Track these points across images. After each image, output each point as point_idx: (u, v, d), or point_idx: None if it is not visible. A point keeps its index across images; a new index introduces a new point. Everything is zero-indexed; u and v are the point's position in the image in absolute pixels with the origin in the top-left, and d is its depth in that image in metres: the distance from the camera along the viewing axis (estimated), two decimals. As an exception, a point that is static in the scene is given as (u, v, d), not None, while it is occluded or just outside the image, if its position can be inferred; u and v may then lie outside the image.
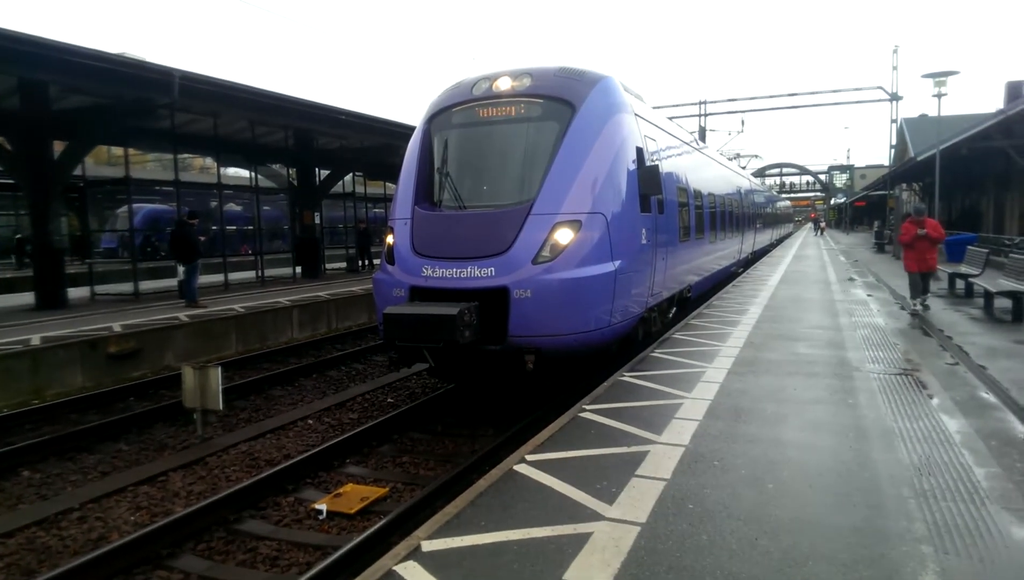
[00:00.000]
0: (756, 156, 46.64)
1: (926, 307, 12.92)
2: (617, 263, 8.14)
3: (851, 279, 19.38)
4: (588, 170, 8.15)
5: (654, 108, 14.20)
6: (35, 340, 11.22)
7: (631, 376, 7.89)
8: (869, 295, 15.67)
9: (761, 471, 4.93)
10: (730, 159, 27.54)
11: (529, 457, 5.32)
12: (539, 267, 7.63)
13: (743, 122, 43.27)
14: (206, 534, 6.03)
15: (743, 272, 22.38)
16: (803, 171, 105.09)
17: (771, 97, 49.05)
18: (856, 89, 41.09)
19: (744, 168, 35.32)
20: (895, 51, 36.37)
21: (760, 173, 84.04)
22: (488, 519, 4.26)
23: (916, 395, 6.94)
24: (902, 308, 13.32)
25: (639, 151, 9.27)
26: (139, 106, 15.27)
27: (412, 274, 8.18)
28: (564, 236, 7.75)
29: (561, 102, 8.59)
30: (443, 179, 8.89)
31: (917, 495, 4.47)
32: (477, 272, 7.76)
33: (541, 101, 8.67)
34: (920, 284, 13.01)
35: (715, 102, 44.00)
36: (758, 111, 50.80)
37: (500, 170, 8.89)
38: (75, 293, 17.63)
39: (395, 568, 3.68)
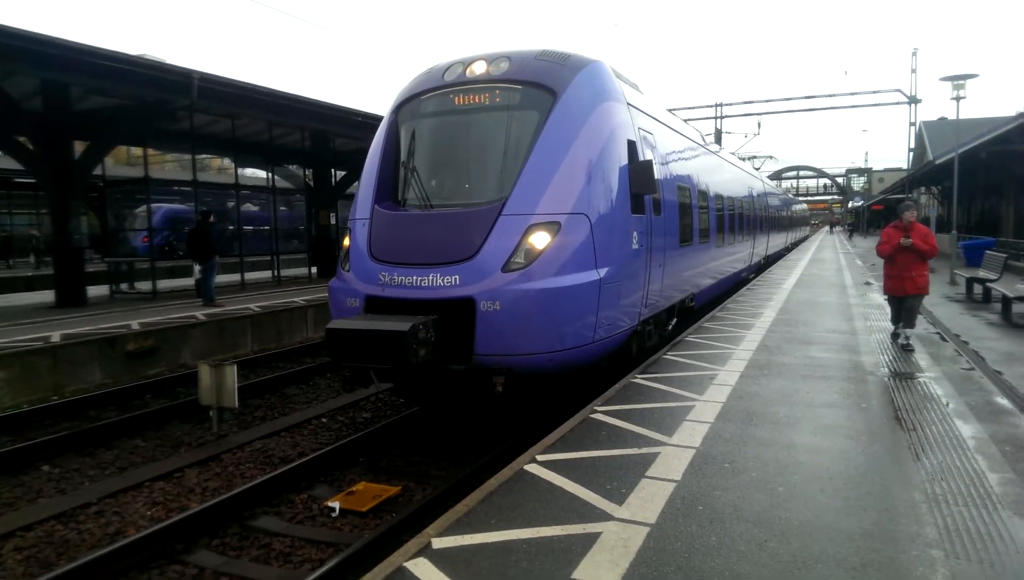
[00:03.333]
0: (771, 157, 46.05)
1: (906, 347, 9.48)
2: (603, 271, 7.28)
3: (868, 283, 19.24)
4: (569, 165, 7.28)
5: (669, 109, 14.09)
6: (55, 337, 11.38)
7: (643, 378, 7.90)
8: (885, 299, 15.53)
9: (772, 474, 4.92)
10: (744, 160, 25.62)
11: (540, 457, 5.35)
12: (510, 275, 6.78)
13: (759, 125, 42.95)
14: (220, 530, 6.11)
15: (755, 278, 21.63)
16: (820, 174, 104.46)
17: (787, 100, 49.04)
18: (874, 92, 40.77)
19: (758, 169, 34.47)
20: (914, 54, 36.11)
21: (777, 176, 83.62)
22: (498, 517, 4.29)
23: (930, 400, 6.90)
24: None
25: (631, 145, 8.39)
26: (159, 107, 15.47)
27: (368, 282, 7.34)
28: (540, 240, 6.90)
29: (541, 88, 7.68)
30: (408, 175, 8.06)
31: (929, 500, 4.46)
32: (440, 280, 6.91)
33: (519, 87, 7.76)
34: (897, 311, 10.00)
35: (731, 104, 43.76)
36: (774, 113, 50.57)
37: (471, 165, 8.03)
38: (94, 291, 17.86)
39: (406, 564, 3.73)
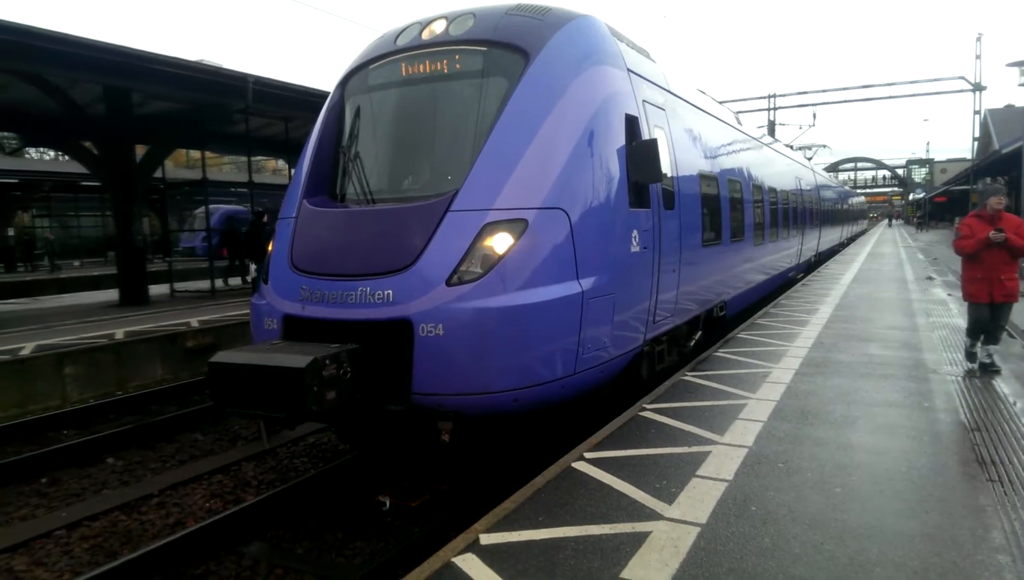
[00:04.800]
0: (824, 145, 44.18)
1: (988, 367, 7.75)
2: (587, 281, 5.81)
3: (930, 278, 18.59)
4: (542, 146, 5.81)
5: (720, 102, 13.39)
6: (119, 334, 11.82)
7: (693, 375, 7.78)
8: (949, 294, 15.01)
9: (828, 474, 4.79)
10: (791, 148, 22.60)
11: (588, 455, 5.31)
12: (458, 290, 5.29)
13: (814, 115, 41.94)
14: (275, 522, 6.24)
15: (803, 277, 19.92)
16: (879, 165, 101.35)
17: (844, 89, 47.79)
18: (936, 80, 39.44)
19: (810, 159, 32.95)
20: (978, 39, 34.74)
21: (833, 168, 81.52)
22: (546, 515, 4.28)
23: (997, 399, 6.62)
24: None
25: (632, 121, 6.85)
26: (215, 111, 15.90)
27: (287, 298, 5.93)
28: (500, 243, 5.42)
29: (511, 50, 6.23)
30: (347, 163, 6.61)
31: (995, 503, 4.27)
32: (370, 296, 5.46)
33: (483, 49, 6.32)
34: (985, 323, 7.87)
35: (785, 95, 43.02)
36: (830, 104, 49.28)
37: (419, 149, 6.62)
38: (156, 290, 18.48)
39: (454, 560, 3.75)
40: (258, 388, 5.03)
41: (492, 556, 3.78)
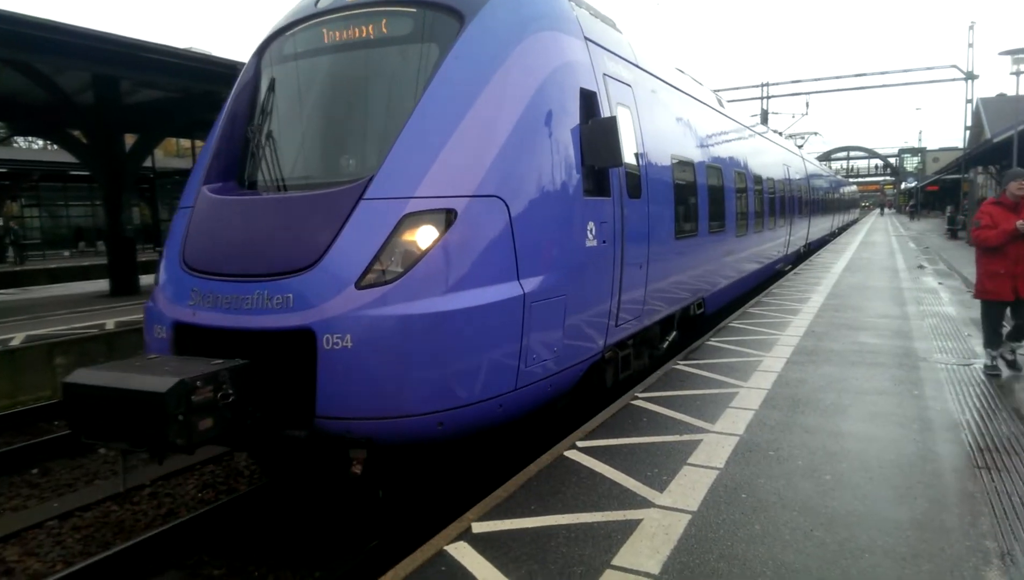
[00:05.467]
0: (815, 133, 43.88)
1: (1015, 364, 7.29)
2: (531, 281, 5.05)
3: (921, 266, 18.68)
4: (476, 124, 5.01)
5: (714, 91, 13.19)
6: (109, 325, 11.77)
7: (685, 364, 7.80)
8: (940, 283, 15.08)
9: (818, 462, 4.82)
10: (779, 134, 21.28)
11: (580, 443, 5.33)
12: (369, 294, 4.47)
13: (807, 104, 42.09)
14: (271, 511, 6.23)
15: (791, 269, 19.12)
16: (871, 154, 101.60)
17: (837, 78, 47.82)
18: (928, 68, 39.46)
19: (801, 146, 32.39)
20: (971, 27, 34.74)
21: (826, 157, 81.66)
22: (538, 503, 4.29)
23: (987, 387, 6.67)
24: (975, 297, 12.73)
25: (588, 97, 6.05)
26: (206, 98, 15.77)
27: (177, 302, 5.08)
28: (423, 237, 4.61)
29: (444, 11, 5.44)
30: (255, 144, 5.76)
31: (984, 490, 4.31)
32: (267, 301, 4.61)
33: (412, 11, 5.51)
34: (995, 322, 7.27)
35: (778, 84, 43.07)
36: (823, 92, 49.36)
37: (337, 127, 5.73)
38: (147, 279, 18.40)
39: (446, 548, 3.76)
40: (118, 415, 4.19)
41: (484, 544, 3.79)
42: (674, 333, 8.82)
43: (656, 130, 7.78)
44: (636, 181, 6.90)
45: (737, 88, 42.42)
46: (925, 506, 4.10)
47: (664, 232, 7.69)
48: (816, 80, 51.29)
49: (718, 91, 14.33)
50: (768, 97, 42.10)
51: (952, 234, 34.13)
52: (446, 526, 4.10)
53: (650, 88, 7.92)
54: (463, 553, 3.70)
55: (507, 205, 4.96)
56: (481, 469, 5.83)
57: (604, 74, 6.52)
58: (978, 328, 9.57)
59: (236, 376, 4.43)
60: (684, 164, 8.76)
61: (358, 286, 4.50)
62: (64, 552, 5.64)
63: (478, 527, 4.00)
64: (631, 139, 6.88)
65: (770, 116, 39.39)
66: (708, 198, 9.62)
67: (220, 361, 4.47)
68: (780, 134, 24.82)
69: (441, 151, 4.86)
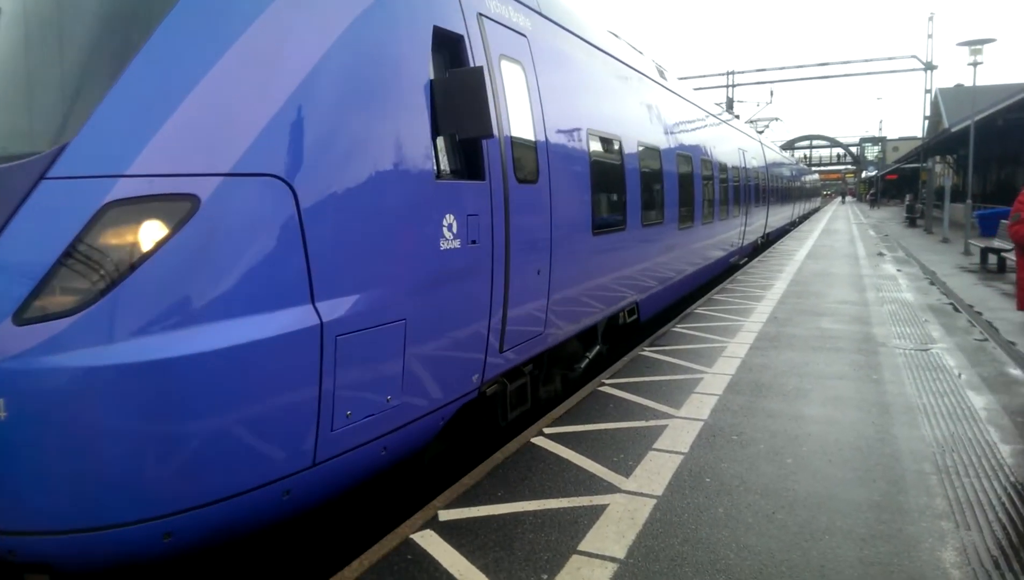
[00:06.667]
0: (776, 119, 44.01)
1: None
2: (341, 304, 3.52)
3: (880, 254, 19.07)
4: (242, 66, 3.29)
5: (680, 78, 12.79)
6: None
7: (651, 351, 7.86)
8: (898, 270, 15.42)
9: (780, 446, 4.90)
10: (727, 113, 19.22)
11: (547, 430, 5.34)
12: (36, 332, 2.83)
13: (772, 93, 42.38)
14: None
15: (747, 262, 18.11)
16: (833, 143, 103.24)
17: (801, 67, 48.46)
18: (889, 58, 40.27)
19: (762, 132, 31.98)
20: (930, 19, 35.40)
21: (789, 145, 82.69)
22: (505, 490, 4.29)
23: (942, 371, 6.83)
24: (931, 283, 13.07)
25: (448, 42, 4.48)
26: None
27: None
28: (139, 238, 2.97)
29: None
30: None
31: (939, 471, 4.42)
32: None
33: None
34: None
35: (743, 72, 43.46)
36: (788, 81, 50.01)
37: (19, 75, 3.59)
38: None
39: (412, 536, 3.74)
40: None
41: (451, 532, 3.78)
42: (598, 347, 7.45)
43: (566, 98, 6.29)
44: (532, 161, 5.37)
45: (703, 76, 42.71)
46: (883, 487, 4.19)
47: (576, 226, 6.25)
48: (781, 68, 52.04)
49: (685, 79, 14.14)
50: (733, 85, 42.53)
51: (911, 222, 34.89)
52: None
53: (559, 44, 6.31)
54: (429, 541, 3.68)
55: (293, 190, 3.28)
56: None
57: (479, 14, 4.86)
58: (934, 314, 9.83)
59: None
60: (609, 143, 7.25)
61: (18, 319, 2.80)
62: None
63: (444, 515, 3.98)
64: (525, 106, 5.36)
65: (735, 104, 39.75)
66: (641, 185, 8.09)
67: None
68: (738, 117, 23.37)
69: (179, 106, 3.10)
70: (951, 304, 10.81)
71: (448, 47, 4.50)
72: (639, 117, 8.56)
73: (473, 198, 4.56)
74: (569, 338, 6.52)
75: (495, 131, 4.64)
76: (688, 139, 11.06)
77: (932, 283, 13.08)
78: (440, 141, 4.28)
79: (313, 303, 3.39)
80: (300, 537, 4.31)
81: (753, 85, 47.97)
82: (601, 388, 6.43)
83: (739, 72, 43.51)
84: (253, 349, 3.14)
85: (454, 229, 4.34)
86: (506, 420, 5.49)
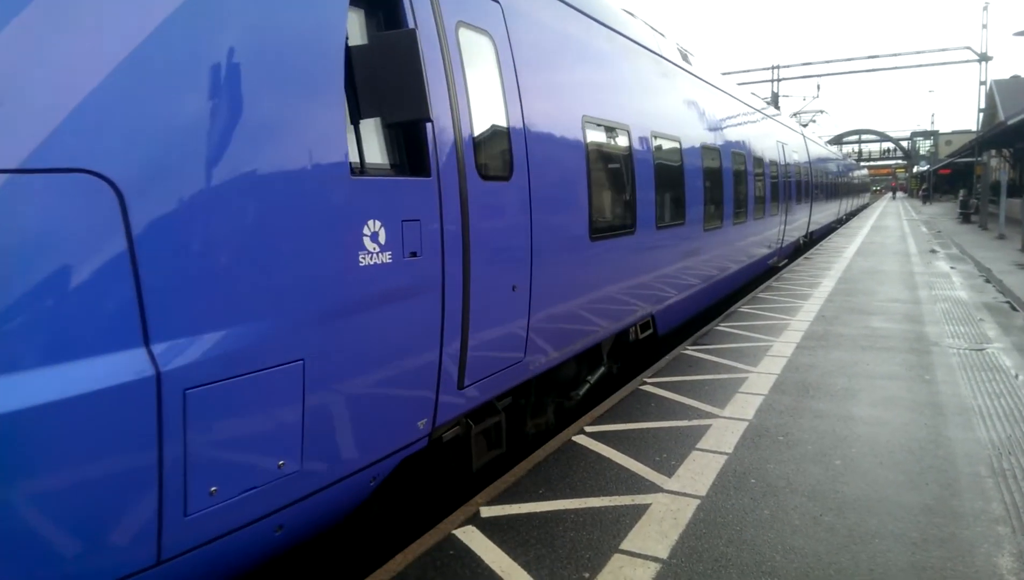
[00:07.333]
0: (821, 111, 42.16)
1: None
2: (193, 344, 2.58)
3: (933, 251, 18.52)
4: (42, 24, 2.30)
5: (724, 73, 12.32)
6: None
7: (694, 350, 7.77)
8: (952, 267, 14.95)
9: (828, 447, 4.80)
10: (766, 104, 17.17)
11: (588, 428, 5.32)
12: None
13: (819, 87, 41.56)
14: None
15: (786, 265, 16.92)
16: (883, 137, 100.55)
17: (849, 60, 47.28)
18: (941, 50, 38.96)
19: (806, 125, 30.66)
20: (985, 8, 34.22)
21: (837, 140, 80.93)
22: (546, 487, 4.29)
23: (998, 372, 6.61)
24: (987, 280, 12.64)
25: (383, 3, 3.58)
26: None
27: None
28: None
29: None
30: None
31: (995, 475, 4.28)
32: None
33: None
34: None
35: (789, 67, 42.50)
36: (835, 75, 48.87)
37: None
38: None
39: (455, 532, 3.76)
40: None
41: (492, 528, 3.79)
42: (602, 369, 6.52)
43: (556, 79, 5.39)
44: (503, 153, 4.49)
45: (748, 71, 42.00)
46: (936, 491, 4.07)
47: (567, 231, 5.28)
48: (827, 62, 50.65)
49: (728, 73, 13.83)
50: (779, 80, 41.67)
51: (965, 218, 33.81)
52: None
53: (548, 17, 5.36)
54: (471, 537, 3.70)
55: (118, 191, 2.39)
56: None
57: None
58: (990, 312, 9.51)
59: None
60: (613, 133, 6.27)
61: None
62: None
63: (486, 511, 4.00)
64: (495, 86, 4.48)
65: (781, 99, 39.01)
66: (656, 182, 7.08)
67: None
68: (779, 109, 21.99)
69: None
70: (1008, 302, 10.44)
71: (380, 7, 3.56)
72: (654, 105, 7.51)
73: (412, 199, 3.57)
74: (563, 362, 5.52)
75: (443, 115, 3.81)
76: (717, 131, 9.99)
77: (987, 281, 12.65)
78: (363, 127, 3.33)
79: (147, 346, 2.45)
80: (344, 534, 4.19)
81: (799, 79, 47.03)
82: (643, 387, 6.38)
83: (784, 66, 42.60)
84: (45, 413, 2.20)
85: (380, 239, 3.35)
86: (473, 470, 4.56)
